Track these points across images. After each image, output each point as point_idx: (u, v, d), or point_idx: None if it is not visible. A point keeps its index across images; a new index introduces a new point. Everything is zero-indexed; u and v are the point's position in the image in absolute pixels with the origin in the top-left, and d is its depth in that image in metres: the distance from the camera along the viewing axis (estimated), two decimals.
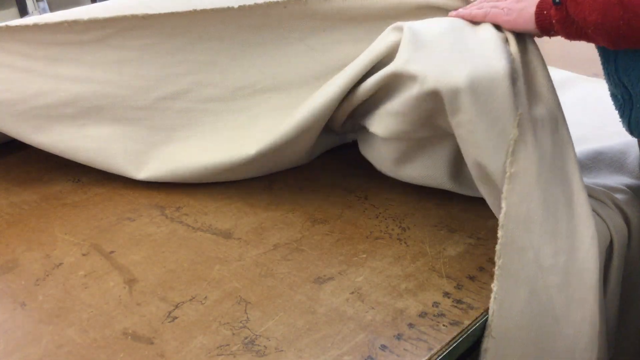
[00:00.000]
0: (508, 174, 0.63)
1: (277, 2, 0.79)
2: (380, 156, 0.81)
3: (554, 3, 0.62)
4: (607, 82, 0.75)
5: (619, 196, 0.75)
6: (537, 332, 0.63)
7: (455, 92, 0.62)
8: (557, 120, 0.67)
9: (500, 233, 0.63)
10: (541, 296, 0.63)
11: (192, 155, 0.84)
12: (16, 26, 0.80)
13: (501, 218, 0.63)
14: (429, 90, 0.64)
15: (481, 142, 0.63)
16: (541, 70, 0.68)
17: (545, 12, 0.64)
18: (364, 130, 0.82)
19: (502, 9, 0.68)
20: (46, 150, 0.86)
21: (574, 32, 0.63)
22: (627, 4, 0.57)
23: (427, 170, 0.78)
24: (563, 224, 0.64)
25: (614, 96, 0.75)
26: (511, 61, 0.64)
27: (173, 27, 0.81)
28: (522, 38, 0.68)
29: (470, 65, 0.63)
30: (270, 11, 0.80)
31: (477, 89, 0.62)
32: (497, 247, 0.63)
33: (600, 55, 0.73)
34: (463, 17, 0.71)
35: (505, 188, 0.63)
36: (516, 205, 0.63)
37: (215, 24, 0.81)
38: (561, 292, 0.63)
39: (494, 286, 0.62)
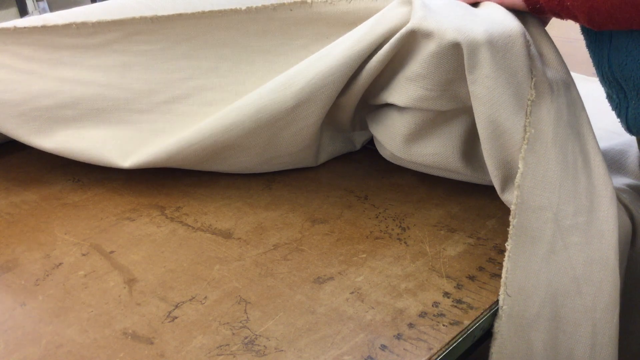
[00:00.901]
0: (528, 134, 0.64)
1: (283, 4, 0.79)
2: (392, 133, 0.80)
3: None
4: (601, 83, 0.76)
5: (623, 195, 0.75)
6: (555, 291, 0.63)
7: (474, 46, 0.63)
8: (568, 83, 0.69)
9: (516, 193, 0.64)
10: (560, 255, 0.64)
11: (177, 135, 0.81)
12: (24, 28, 0.80)
13: (517, 178, 0.64)
14: (448, 43, 0.65)
15: (498, 97, 0.64)
16: (546, 40, 0.70)
17: None
18: (376, 109, 0.81)
19: None
20: (45, 150, 0.86)
21: (556, 5, 0.63)
22: None
23: (438, 147, 0.77)
24: (582, 184, 0.65)
25: (609, 97, 0.76)
26: (522, 25, 0.66)
27: (179, 33, 0.81)
28: (522, 15, 0.69)
29: (487, 23, 0.65)
30: (276, 14, 0.79)
31: (496, 43, 0.64)
32: (512, 207, 0.65)
33: (592, 57, 0.74)
34: None
35: (523, 148, 0.64)
36: (534, 166, 0.64)
37: (220, 29, 0.81)
38: (581, 252, 0.63)
39: (508, 245, 0.64)
